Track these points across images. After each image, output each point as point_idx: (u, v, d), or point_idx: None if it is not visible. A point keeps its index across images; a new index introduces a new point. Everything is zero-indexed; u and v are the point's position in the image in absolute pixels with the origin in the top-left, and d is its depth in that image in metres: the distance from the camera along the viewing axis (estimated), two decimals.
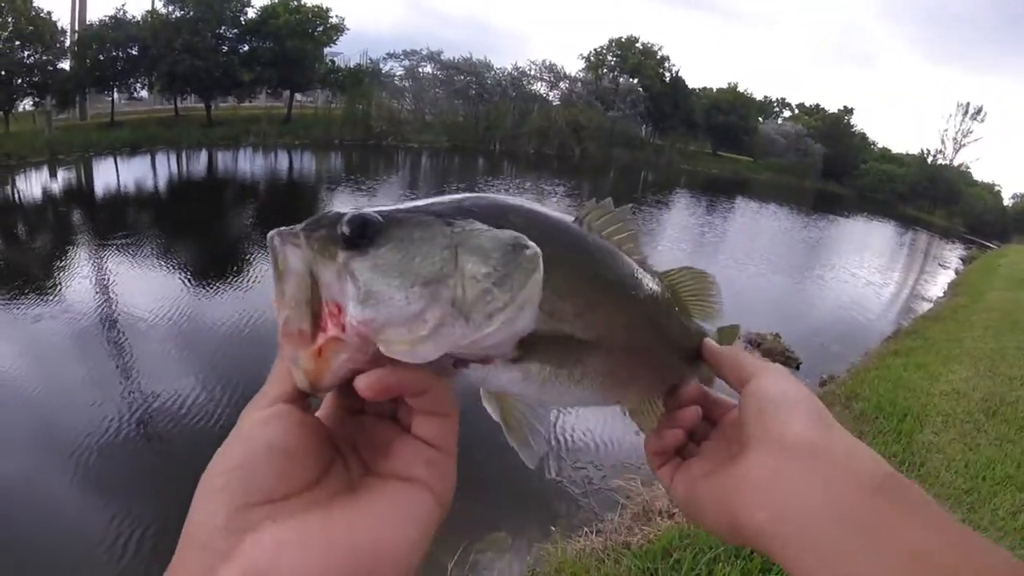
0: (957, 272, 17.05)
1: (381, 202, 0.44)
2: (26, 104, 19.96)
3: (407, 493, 0.38)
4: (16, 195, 13.55)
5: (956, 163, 40.30)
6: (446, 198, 0.42)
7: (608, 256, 0.50)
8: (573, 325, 0.44)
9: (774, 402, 0.48)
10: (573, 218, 0.50)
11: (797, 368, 6.52)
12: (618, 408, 0.59)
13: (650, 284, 0.55)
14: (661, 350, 0.57)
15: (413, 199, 0.44)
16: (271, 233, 0.39)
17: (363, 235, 0.37)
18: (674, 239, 14.05)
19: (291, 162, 20.77)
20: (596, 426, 4.62)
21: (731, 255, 13.12)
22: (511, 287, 0.38)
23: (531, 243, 0.40)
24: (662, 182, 27.80)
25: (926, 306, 11.29)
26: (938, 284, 14.58)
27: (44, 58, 19.26)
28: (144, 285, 7.39)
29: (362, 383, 0.37)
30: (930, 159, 40.68)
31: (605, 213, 0.51)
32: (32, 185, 14.55)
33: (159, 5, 21.88)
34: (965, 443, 3.87)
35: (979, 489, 3.28)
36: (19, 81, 18.61)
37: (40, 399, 4.71)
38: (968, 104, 40.11)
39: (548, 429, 0.50)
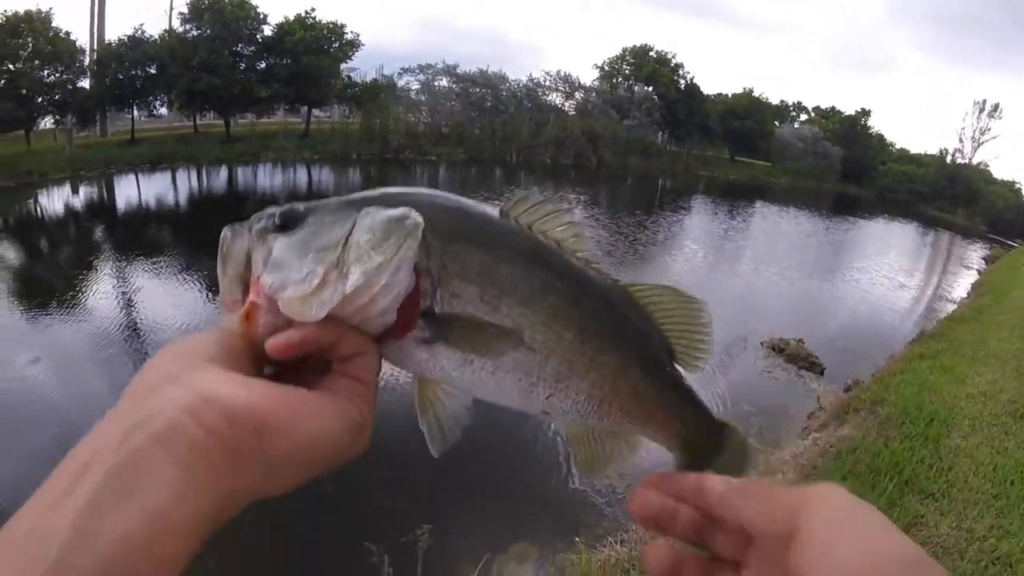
0: (980, 272, 16.75)
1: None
2: (47, 122, 20.53)
3: (331, 393, 0.41)
4: (39, 211, 13.90)
5: (975, 161, 39.56)
6: (376, 192, 0.47)
7: (530, 247, 0.48)
8: (479, 309, 0.45)
9: None
10: (499, 211, 0.49)
11: (821, 374, 6.44)
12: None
13: (595, 287, 0.50)
14: (618, 372, 0.50)
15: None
16: (224, 228, 0.46)
17: (290, 222, 0.44)
18: (698, 243, 14.02)
19: (310, 177, 21.00)
20: None
21: (753, 259, 13.05)
22: (386, 251, 0.42)
23: (416, 215, 0.43)
24: (680, 189, 27.72)
25: (950, 307, 11.10)
26: (961, 284, 14.34)
27: (64, 77, 19.80)
28: (166, 299, 7.51)
29: (270, 343, 0.41)
30: (949, 158, 40.04)
31: (532, 204, 0.49)
32: (55, 201, 14.89)
33: (176, 24, 22.40)
34: (993, 447, 3.82)
35: (1008, 494, 3.23)
36: (40, 100, 19.16)
37: (62, 414, 4.75)
38: (984, 102, 39.28)
39: (469, 420, 0.48)
